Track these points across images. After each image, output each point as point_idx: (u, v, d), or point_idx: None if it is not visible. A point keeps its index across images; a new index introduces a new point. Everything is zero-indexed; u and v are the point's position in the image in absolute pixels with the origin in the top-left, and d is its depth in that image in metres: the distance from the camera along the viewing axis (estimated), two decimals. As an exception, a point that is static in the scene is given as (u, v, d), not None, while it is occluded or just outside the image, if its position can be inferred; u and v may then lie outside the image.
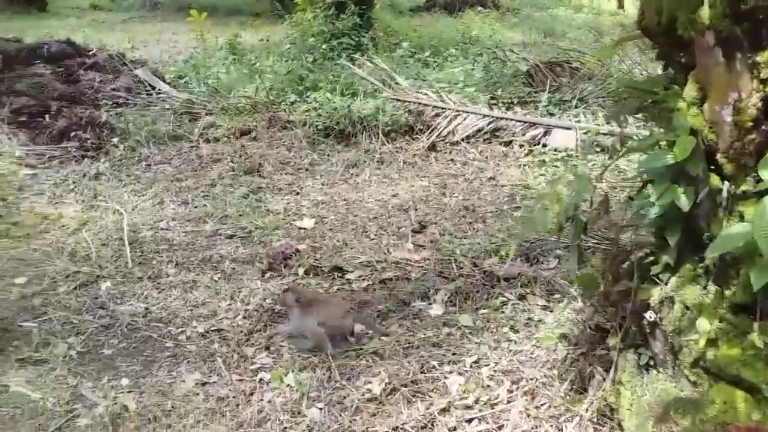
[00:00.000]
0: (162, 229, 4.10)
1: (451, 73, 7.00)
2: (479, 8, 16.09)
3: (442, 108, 5.84)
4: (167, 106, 6.25)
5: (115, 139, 5.51)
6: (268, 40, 9.18)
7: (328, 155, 5.41)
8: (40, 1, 18.04)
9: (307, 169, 5.15)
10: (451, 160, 5.38)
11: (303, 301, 2.91)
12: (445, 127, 5.65)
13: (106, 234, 3.99)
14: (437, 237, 3.94)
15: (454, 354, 2.77)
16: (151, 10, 18.66)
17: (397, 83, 6.34)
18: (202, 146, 5.59)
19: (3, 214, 4.24)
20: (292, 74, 6.59)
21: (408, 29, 10.58)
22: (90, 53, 7.25)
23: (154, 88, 6.66)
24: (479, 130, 5.64)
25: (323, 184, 4.90)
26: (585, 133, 5.40)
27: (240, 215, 4.26)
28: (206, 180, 4.91)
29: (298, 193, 4.72)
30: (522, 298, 3.20)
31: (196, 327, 3.04)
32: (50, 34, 11.94)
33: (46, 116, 5.96)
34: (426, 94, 6.09)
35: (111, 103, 6.24)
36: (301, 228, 4.11)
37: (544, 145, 5.43)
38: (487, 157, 5.36)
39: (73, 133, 5.50)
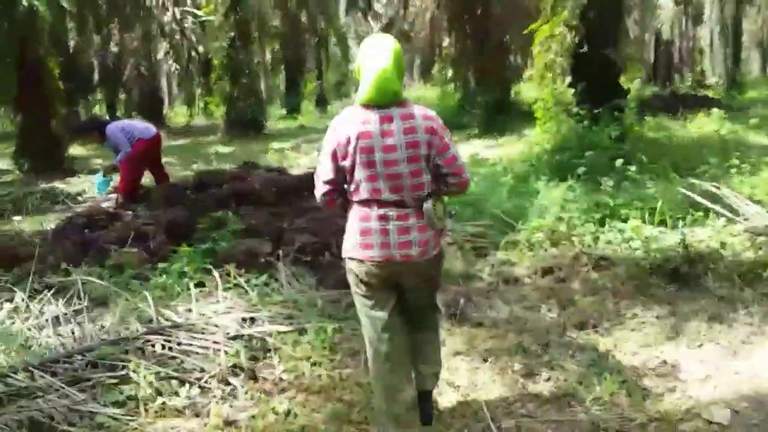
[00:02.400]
0: (523, 415, 3.28)
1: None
2: (701, 108, 14.72)
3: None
4: (449, 240, 5.65)
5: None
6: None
7: (670, 304, 4.39)
8: (256, 126, 19.29)
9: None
10: None
11: None
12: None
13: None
14: None
15: None
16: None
17: (730, 207, 5.27)
18: (504, 289, 4.85)
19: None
20: (587, 199, 5.75)
21: (659, 136, 9.57)
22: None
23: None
24: None
25: (688, 346, 3.87)
26: None
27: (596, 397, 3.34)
28: (538, 336, 4.08)
29: (665, 361, 3.72)
30: None
31: None
32: (283, 159, 12.43)
33: (326, 253, 5.60)
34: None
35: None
36: (712, 423, 3.08)
37: None
38: None
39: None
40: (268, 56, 25.45)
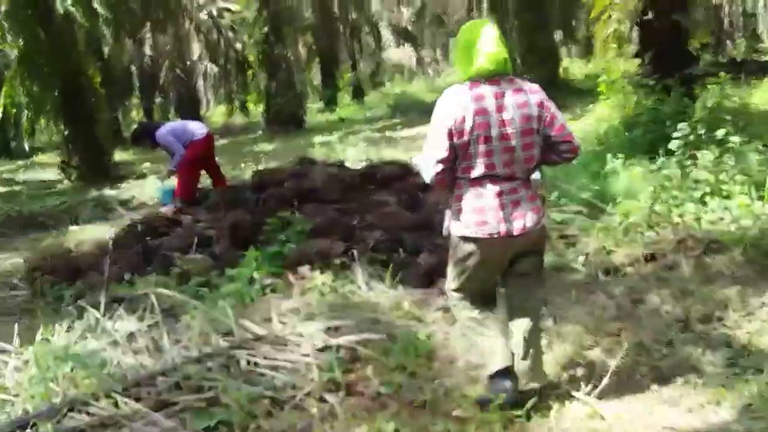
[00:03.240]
0: (664, 427, 2.88)
1: None
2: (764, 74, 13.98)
3: None
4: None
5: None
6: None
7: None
8: (296, 121, 19.05)
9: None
10: None
11: None
12: None
13: None
14: None
15: None
16: (396, 117, 18.89)
17: None
18: (604, 280, 4.44)
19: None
20: (683, 176, 5.25)
21: (736, 105, 8.94)
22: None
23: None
24: None
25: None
26: None
27: None
28: (657, 333, 3.64)
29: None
30: None
31: None
32: (330, 152, 12.12)
33: (400, 251, 5.26)
34: None
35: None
36: None
37: None
38: None
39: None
40: (302, 50, 25.18)
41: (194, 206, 6.75)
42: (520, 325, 2.98)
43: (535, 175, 2.86)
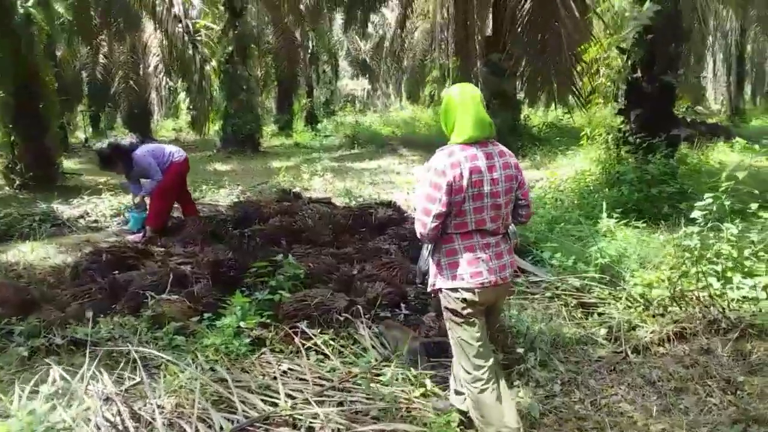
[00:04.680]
0: None
1: None
2: (713, 137, 14.28)
3: None
4: (547, 294, 4.76)
5: (520, 348, 3.99)
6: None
7: None
8: (252, 143, 18.26)
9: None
10: None
11: None
12: None
13: None
14: None
15: None
16: (355, 148, 18.36)
17: None
18: (636, 360, 3.96)
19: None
20: (706, 248, 4.84)
21: (713, 168, 8.84)
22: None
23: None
24: None
25: None
26: None
27: None
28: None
29: None
30: None
31: None
32: (295, 180, 11.41)
33: (402, 305, 4.67)
34: None
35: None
36: None
37: None
38: None
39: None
40: (259, 73, 24.41)
41: (166, 237, 5.94)
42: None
43: (512, 228, 3.09)
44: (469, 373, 2.98)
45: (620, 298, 4.59)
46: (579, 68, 9.23)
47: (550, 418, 3.40)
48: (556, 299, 4.65)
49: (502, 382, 3.03)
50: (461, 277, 2.86)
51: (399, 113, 28.90)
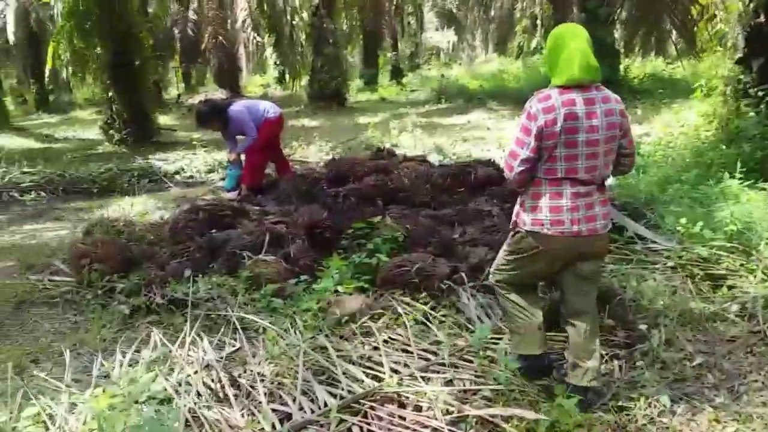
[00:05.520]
0: None
1: None
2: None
3: None
4: (669, 263, 4.30)
5: (642, 324, 3.59)
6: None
7: None
8: (339, 98, 18.07)
9: None
10: None
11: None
12: None
13: None
14: None
15: None
16: (442, 102, 17.83)
17: None
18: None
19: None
20: None
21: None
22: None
23: (622, 230, 4.77)
24: None
25: None
26: None
27: None
28: None
29: None
30: None
31: None
32: (373, 137, 11.14)
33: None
34: None
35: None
36: None
37: None
38: None
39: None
40: (345, 27, 24.06)
41: (261, 195, 5.82)
42: (579, 328, 2.95)
43: (610, 180, 2.90)
44: (515, 311, 3.06)
45: (754, 270, 4.08)
46: (693, 12, 8.34)
47: (682, 406, 3.02)
48: (680, 270, 4.18)
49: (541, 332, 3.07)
50: (541, 222, 2.77)
51: (486, 66, 27.88)
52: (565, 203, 2.73)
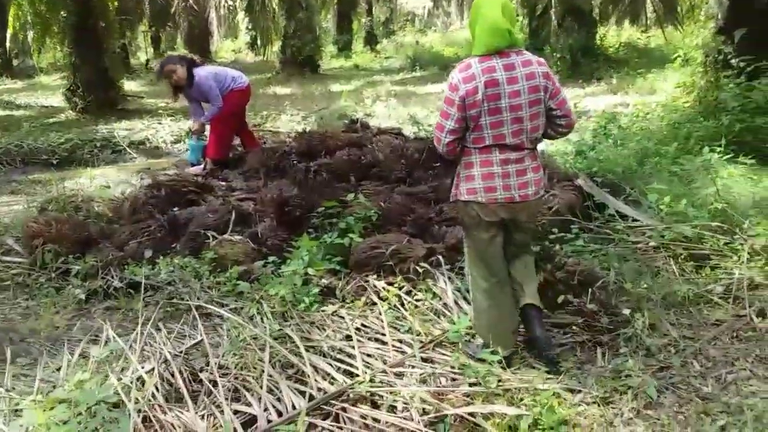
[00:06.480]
0: None
1: None
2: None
3: None
4: (651, 243, 4.11)
5: (625, 308, 3.40)
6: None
7: None
8: (312, 65, 17.60)
9: None
10: None
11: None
12: None
13: None
14: None
15: None
16: (416, 70, 17.46)
17: None
18: (764, 327, 3.34)
19: None
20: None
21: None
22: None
23: (602, 207, 4.58)
24: None
25: None
26: None
27: None
28: None
29: None
30: None
31: None
32: (347, 106, 10.79)
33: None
34: None
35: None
36: None
37: None
38: None
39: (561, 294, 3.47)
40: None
41: (226, 170, 5.50)
42: (527, 292, 3.02)
43: (541, 146, 2.92)
44: (476, 282, 2.99)
45: (738, 250, 3.92)
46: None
47: (668, 397, 2.85)
48: (662, 249, 4.00)
49: (510, 302, 3.01)
50: (475, 191, 2.80)
51: (461, 33, 27.39)
52: (496, 170, 2.76)
